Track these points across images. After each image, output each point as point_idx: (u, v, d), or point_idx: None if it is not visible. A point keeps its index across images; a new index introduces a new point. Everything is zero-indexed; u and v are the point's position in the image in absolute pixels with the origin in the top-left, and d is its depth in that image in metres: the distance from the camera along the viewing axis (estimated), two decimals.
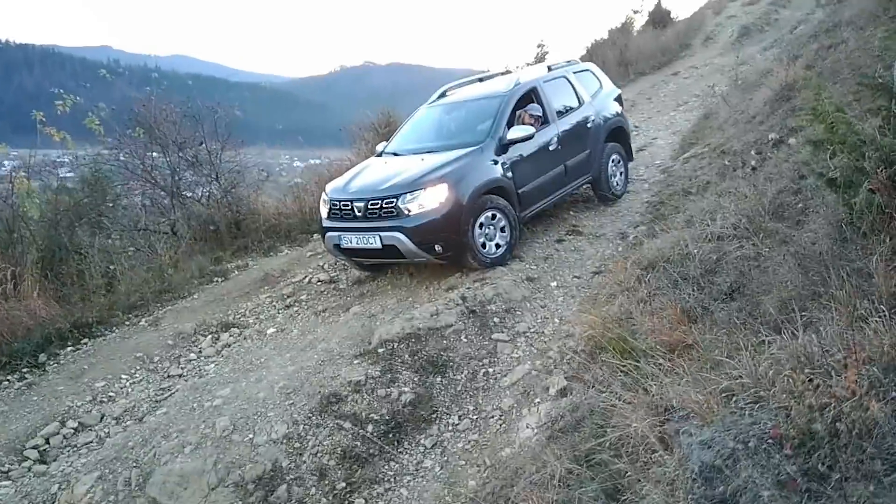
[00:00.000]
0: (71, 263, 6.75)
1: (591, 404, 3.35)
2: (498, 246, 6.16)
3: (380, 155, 7.23)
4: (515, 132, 6.41)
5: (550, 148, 6.90)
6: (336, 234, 6.23)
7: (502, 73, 8.07)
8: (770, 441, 1.86)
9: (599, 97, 8.10)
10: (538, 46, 17.79)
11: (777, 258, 3.66)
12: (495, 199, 6.13)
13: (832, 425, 1.69)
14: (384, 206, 5.91)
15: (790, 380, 1.98)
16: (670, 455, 2.26)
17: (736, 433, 2.00)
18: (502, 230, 6.18)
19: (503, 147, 6.37)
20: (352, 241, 6.09)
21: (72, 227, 7.05)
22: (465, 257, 5.99)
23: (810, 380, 1.92)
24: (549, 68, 7.79)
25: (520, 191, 6.44)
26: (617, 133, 8.06)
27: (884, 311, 2.18)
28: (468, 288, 5.70)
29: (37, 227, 6.90)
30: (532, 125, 6.64)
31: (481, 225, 6.01)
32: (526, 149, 6.57)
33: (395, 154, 7.03)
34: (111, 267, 6.76)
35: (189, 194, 8.59)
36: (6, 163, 8.67)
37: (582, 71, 8.22)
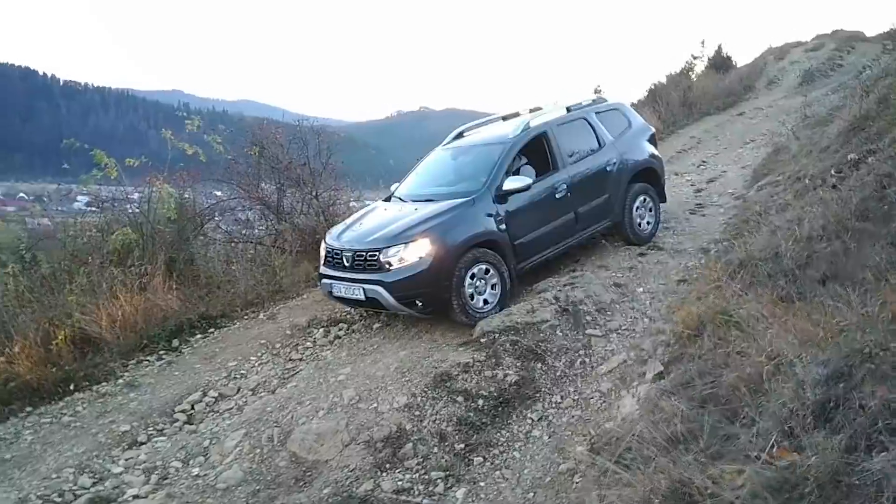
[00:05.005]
0: (195, 263, 7.55)
1: (698, 369, 3.75)
2: (486, 302, 5.98)
3: (388, 199, 7.19)
4: (512, 183, 6.22)
5: (558, 195, 6.64)
6: (329, 281, 6.24)
7: (531, 110, 7.60)
8: (885, 349, 2.27)
9: (626, 137, 7.63)
10: (595, 92, 18.29)
11: (866, 250, 4.03)
12: (485, 253, 5.97)
13: None
14: (368, 258, 5.87)
15: None
16: (788, 380, 2.67)
17: (852, 349, 2.42)
18: (493, 287, 6.01)
19: (500, 197, 6.20)
20: (341, 290, 6.10)
21: (196, 232, 7.89)
22: (449, 313, 5.85)
23: None
24: (568, 109, 7.39)
25: (517, 242, 6.25)
26: (646, 174, 7.63)
27: None
28: (559, 290, 6.15)
29: (164, 229, 7.73)
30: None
31: (472, 276, 5.87)
32: (527, 198, 6.37)
33: (401, 199, 6.97)
34: (232, 267, 7.52)
35: (289, 211, 9.40)
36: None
37: (607, 111, 7.73)
